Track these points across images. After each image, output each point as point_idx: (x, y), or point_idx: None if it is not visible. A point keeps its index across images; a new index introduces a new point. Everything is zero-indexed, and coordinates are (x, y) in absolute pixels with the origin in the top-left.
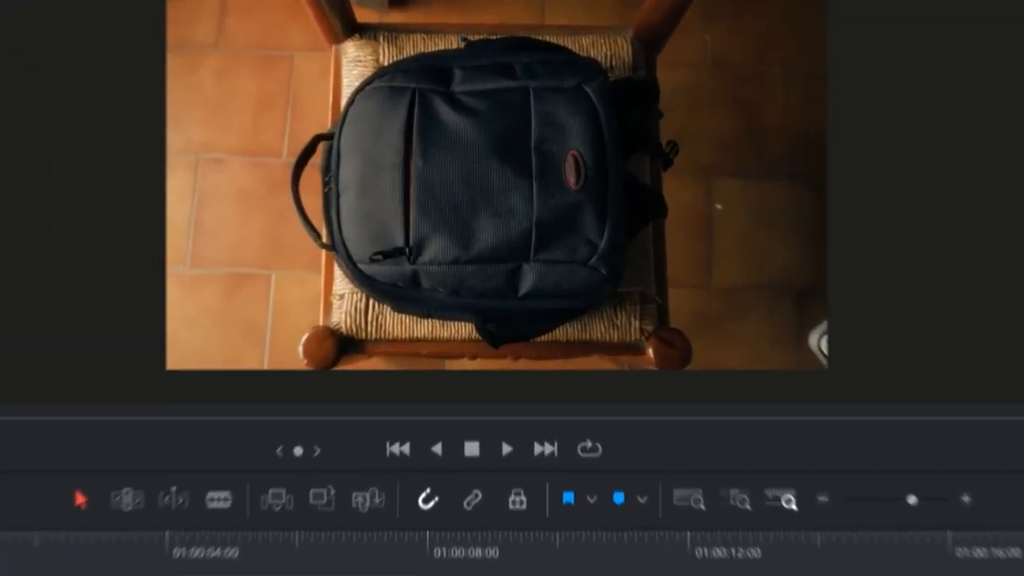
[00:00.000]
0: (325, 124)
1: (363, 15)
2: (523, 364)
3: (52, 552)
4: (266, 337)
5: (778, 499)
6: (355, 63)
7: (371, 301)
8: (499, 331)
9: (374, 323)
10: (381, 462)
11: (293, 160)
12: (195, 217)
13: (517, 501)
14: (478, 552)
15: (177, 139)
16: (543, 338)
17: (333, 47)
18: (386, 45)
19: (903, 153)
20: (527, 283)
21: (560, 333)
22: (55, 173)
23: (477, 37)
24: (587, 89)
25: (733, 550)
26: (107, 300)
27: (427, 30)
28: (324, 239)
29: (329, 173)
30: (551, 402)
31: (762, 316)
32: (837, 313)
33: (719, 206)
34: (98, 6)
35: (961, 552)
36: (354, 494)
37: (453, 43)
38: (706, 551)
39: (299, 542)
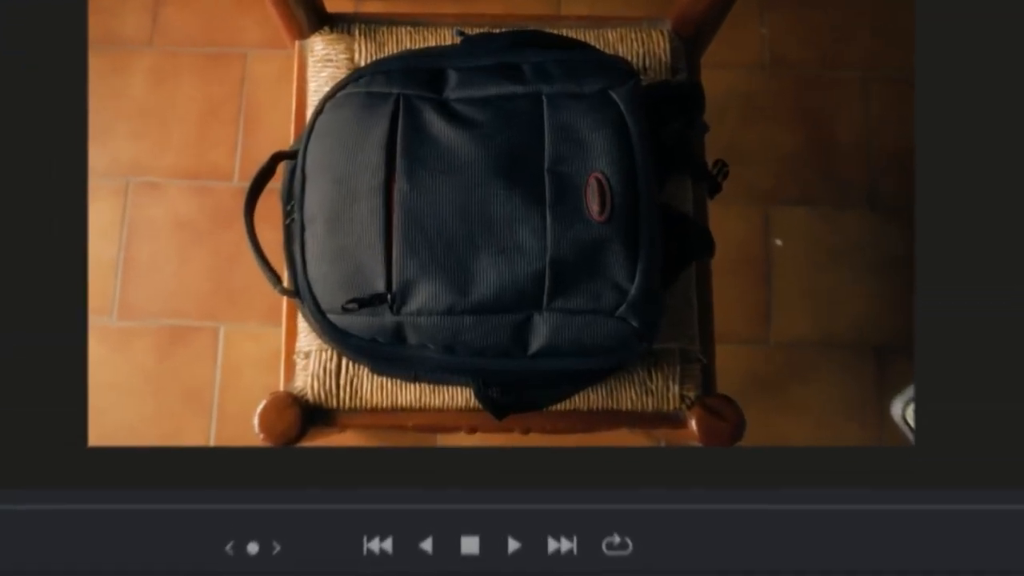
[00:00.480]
0: (287, 139)
1: (334, 3)
2: (534, 439)
3: None
4: (213, 405)
5: None
6: (324, 63)
7: (344, 361)
8: (504, 398)
9: (348, 388)
10: (357, 562)
11: (246, 184)
12: (124, 256)
13: None
14: None
15: (101, 158)
16: (559, 406)
17: (296, 43)
18: (363, 40)
19: (1013, 177)
20: (539, 338)
21: (580, 400)
22: None
23: (477, 31)
24: (614, 95)
25: None
26: (13, 360)
27: (414, 22)
28: (285, 283)
29: (292, 200)
30: (569, 488)
31: (833, 378)
32: (927, 377)
33: (779, 242)
34: None
35: None
36: None
37: (447, 38)
38: None
39: None
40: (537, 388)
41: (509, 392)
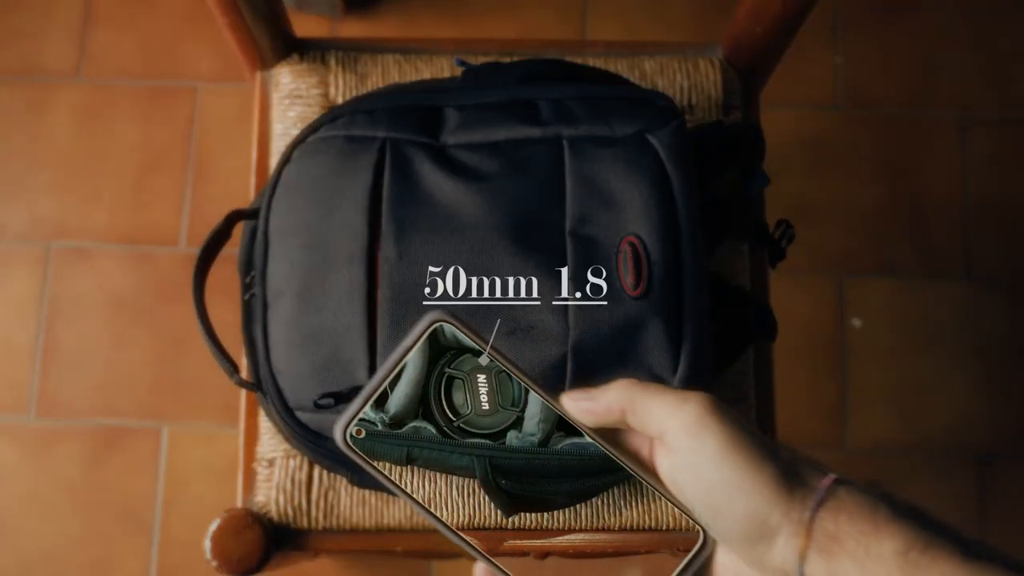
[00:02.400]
0: (245, 195)
1: (305, 26)
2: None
3: None
4: (154, 526)
5: None
6: (292, 99)
7: (317, 470)
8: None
9: (321, 504)
10: None
11: (196, 251)
12: (44, 340)
13: None
14: None
15: (15, 216)
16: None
17: (258, 75)
18: (340, 72)
19: None
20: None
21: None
22: None
23: (482, 60)
24: (652, 140)
25: None
26: None
27: (404, 49)
28: (244, 373)
29: (252, 271)
30: None
31: (926, 490)
32: None
33: (857, 322)
34: None
35: None
36: None
37: (445, 69)
38: None
39: None
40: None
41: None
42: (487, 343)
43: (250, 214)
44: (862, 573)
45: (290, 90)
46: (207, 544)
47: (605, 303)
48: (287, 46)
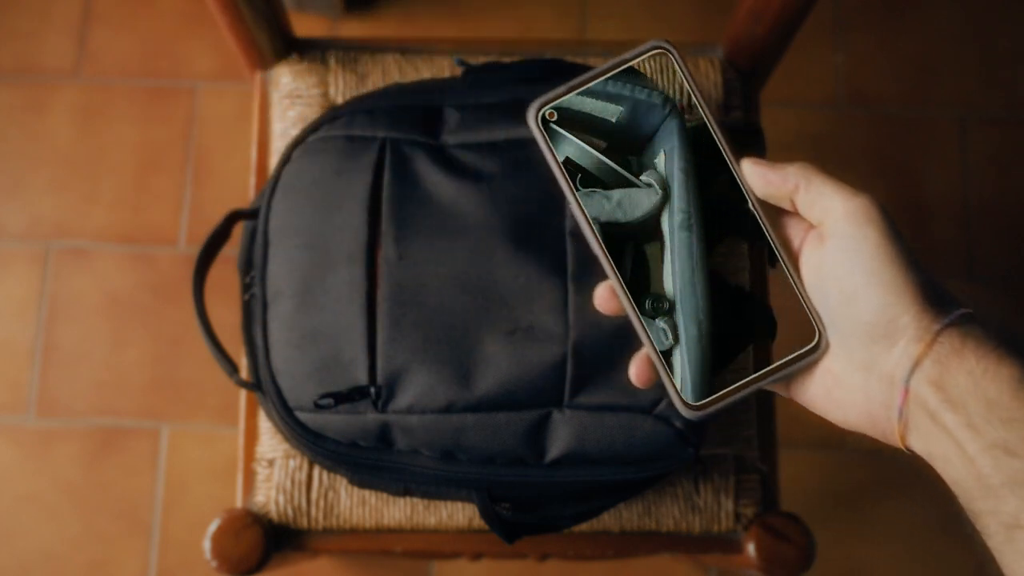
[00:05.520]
0: (245, 195)
1: (305, 26)
2: (553, 568)
3: None
4: (153, 526)
5: None
6: (292, 99)
7: (317, 470)
8: (515, 516)
9: (321, 504)
10: None
11: (195, 251)
12: (44, 340)
13: None
14: None
15: (15, 216)
16: (584, 526)
17: (257, 74)
18: (340, 71)
19: None
20: (559, 442)
21: (611, 519)
22: None
23: (482, 60)
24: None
25: None
26: None
27: (404, 48)
28: (243, 373)
29: (252, 271)
30: None
31: (926, 493)
32: None
33: None
34: None
35: None
36: None
37: (445, 69)
38: None
39: None
40: (557, 504)
41: (522, 509)
42: (695, 85)
43: (250, 214)
44: (974, 388)
45: (290, 90)
46: (207, 544)
47: None
48: (287, 46)
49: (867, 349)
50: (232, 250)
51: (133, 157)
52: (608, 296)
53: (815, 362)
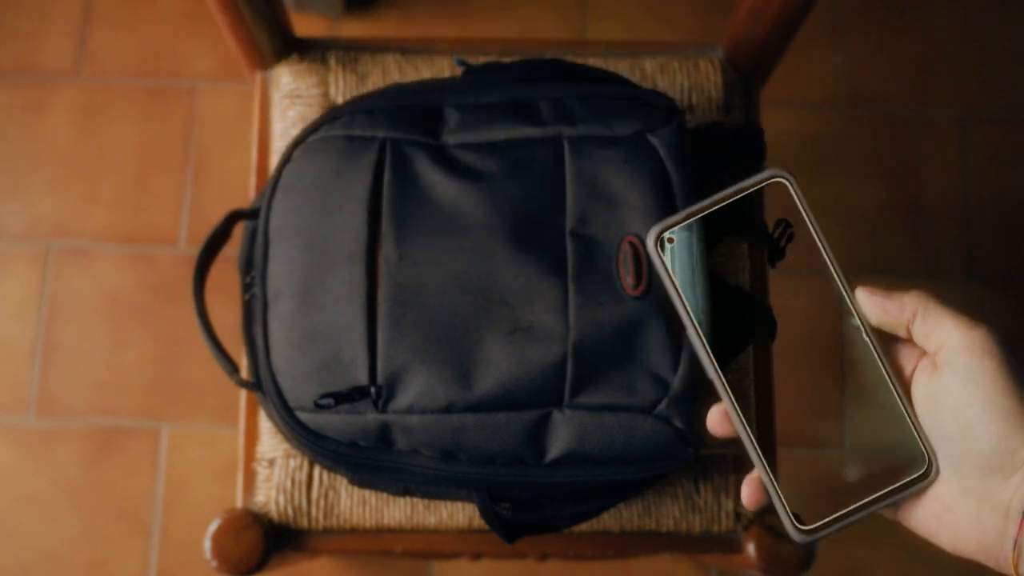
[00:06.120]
0: (245, 195)
1: (305, 26)
2: (554, 568)
3: None
4: (154, 526)
5: None
6: (293, 99)
7: (317, 470)
8: (515, 516)
9: (321, 504)
10: None
11: (195, 251)
12: (44, 340)
13: None
14: None
15: (14, 216)
16: (584, 526)
17: (258, 74)
18: (340, 71)
19: None
20: (559, 442)
21: (611, 519)
22: None
23: (482, 60)
24: (653, 140)
25: None
26: None
27: (404, 48)
28: (244, 373)
29: (252, 271)
30: None
31: None
32: None
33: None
34: None
35: None
36: None
37: (445, 69)
38: None
39: None
40: (557, 504)
41: (522, 509)
42: (813, 219)
43: (250, 214)
44: None
45: (290, 90)
46: (207, 544)
47: (605, 303)
48: (287, 46)
49: (982, 480)
50: (232, 250)
51: (133, 157)
52: (721, 420)
53: (925, 489)
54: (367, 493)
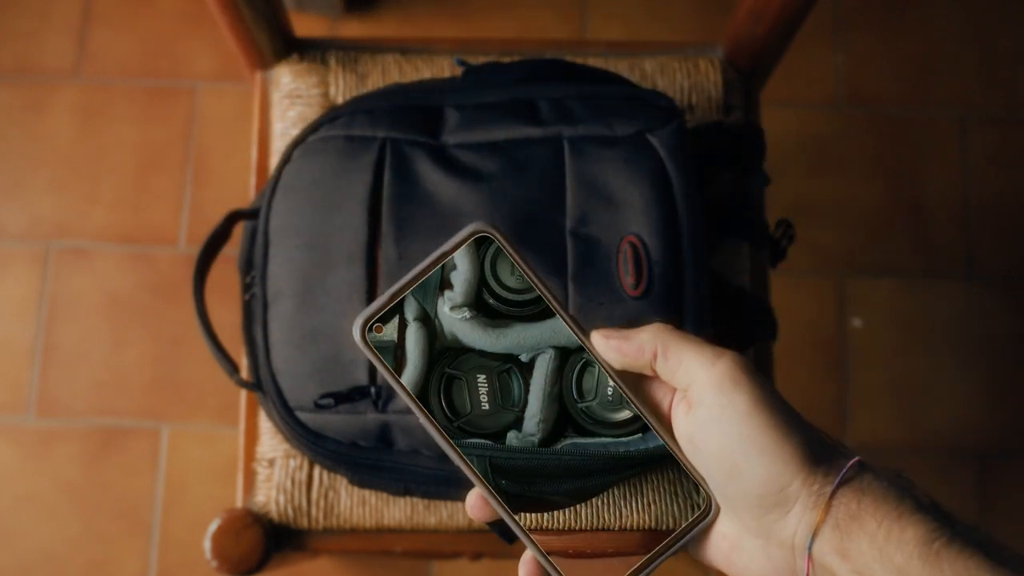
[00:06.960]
0: (245, 195)
1: (305, 26)
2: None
3: None
4: (154, 526)
5: None
6: (292, 99)
7: (317, 470)
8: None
9: (321, 504)
10: None
11: (195, 251)
12: (44, 340)
13: None
14: None
15: (14, 216)
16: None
17: (258, 74)
18: (341, 71)
19: None
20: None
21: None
22: None
23: (482, 60)
24: (652, 140)
25: None
26: None
27: (404, 48)
28: (244, 373)
29: (252, 271)
30: None
31: (928, 490)
32: None
33: (858, 322)
34: None
35: None
36: None
37: (445, 69)
38: None
39: None
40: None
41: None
42: (525, 263)
43: (250, 214)
44: (879, 555)
45: (290, 90)
46: (207, 544)
47: (605, 303)
48: (287, 46)
49: (760, 520)
50: (232, 250)
51: (133, 157)
52: (480, 504)
53: (708, 527)
54: (367, 493)
